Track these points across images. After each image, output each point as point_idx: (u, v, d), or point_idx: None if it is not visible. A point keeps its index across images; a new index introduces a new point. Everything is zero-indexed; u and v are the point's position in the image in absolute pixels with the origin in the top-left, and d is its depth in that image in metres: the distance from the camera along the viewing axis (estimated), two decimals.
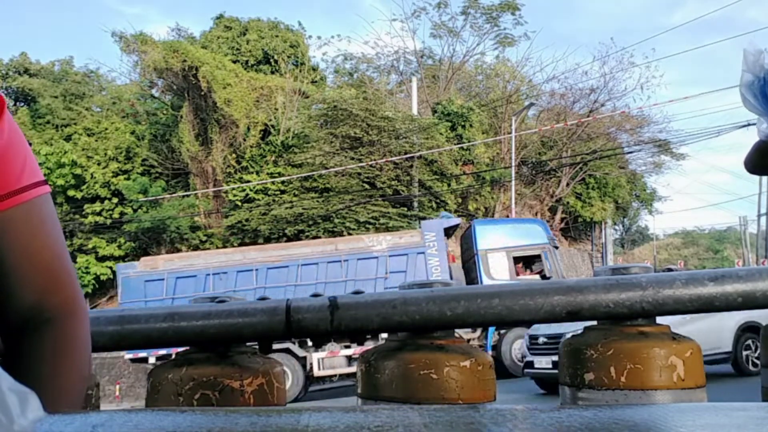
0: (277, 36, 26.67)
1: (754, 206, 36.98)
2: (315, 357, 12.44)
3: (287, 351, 12.20)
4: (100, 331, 1.63)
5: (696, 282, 1.62)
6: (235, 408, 0.53)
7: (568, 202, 27.08)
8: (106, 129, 26.03)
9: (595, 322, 1.79)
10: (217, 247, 22.43)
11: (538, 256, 13.62)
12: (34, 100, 28.51)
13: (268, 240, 20.86)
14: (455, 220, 14.66)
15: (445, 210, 22.23)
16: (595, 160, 26.59)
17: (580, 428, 0.46)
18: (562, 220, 27.63)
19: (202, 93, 22.80)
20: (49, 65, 30.39)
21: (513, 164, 22.85)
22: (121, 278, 13.18)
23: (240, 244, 21.16)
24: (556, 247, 14.64)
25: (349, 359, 12.39)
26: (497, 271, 13.36)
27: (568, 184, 26.81)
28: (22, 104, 28.58)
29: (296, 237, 20.51)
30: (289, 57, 26.50)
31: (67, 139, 25.83)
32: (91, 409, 1.46)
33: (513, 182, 22.50)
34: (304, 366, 12.46)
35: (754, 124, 1.70)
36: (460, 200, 23.47)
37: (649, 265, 1.85)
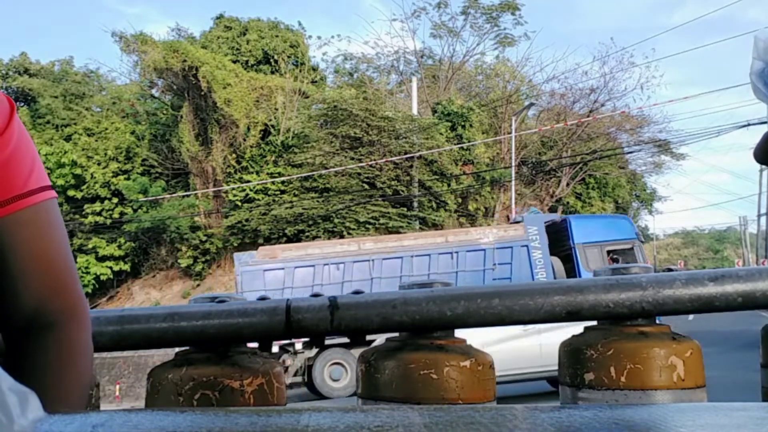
0: (277, 36, 26.65)
1: (754, 206, 37.08)
2: None
3: None
4: (100, 331, 1.63)
5: (696, 282, 1.63)
6: (235, 408, 0.53)
7: (568, 202, 27.07)
8: (106, 129, 26.05)
9: (595, 322, 1.79)
10: (217, 248, 22.46)
11: (623, 250, 13.85)
12: (34, 100, 28.52)
13: (268, 240, 20.84)
14: (551, 216, 15.37)
15: (446, 210, 22.26)
16: (595, 160, 26.60)
17: (580, 428, 0.46)
18: None
19: (202, 93, 22.80)
20: (49, 65, 30.39)
21: (513, 164, 22.84)
22: (240, 268, 13.35)
23: (240, 244, 21.17)
24: (643, 242, 14.95)
25: None
26: (594, 264, 13.64)
27: (568, 184, 26.81)
28: (22, 104, 28.59)
29: (296, 237, 20.50)
30: (289, 57, 26.48)
31: (67, 139, 25.86)
32: (91, 409, 1.46)
33: (513, 182, 22.50)
34: None
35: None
36: (460, 200, 23.46)
37: (649, 265, 1.85)
